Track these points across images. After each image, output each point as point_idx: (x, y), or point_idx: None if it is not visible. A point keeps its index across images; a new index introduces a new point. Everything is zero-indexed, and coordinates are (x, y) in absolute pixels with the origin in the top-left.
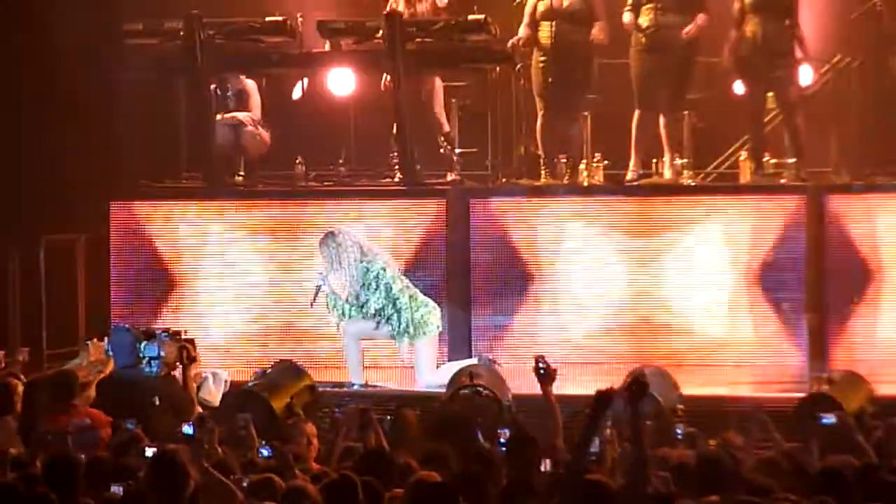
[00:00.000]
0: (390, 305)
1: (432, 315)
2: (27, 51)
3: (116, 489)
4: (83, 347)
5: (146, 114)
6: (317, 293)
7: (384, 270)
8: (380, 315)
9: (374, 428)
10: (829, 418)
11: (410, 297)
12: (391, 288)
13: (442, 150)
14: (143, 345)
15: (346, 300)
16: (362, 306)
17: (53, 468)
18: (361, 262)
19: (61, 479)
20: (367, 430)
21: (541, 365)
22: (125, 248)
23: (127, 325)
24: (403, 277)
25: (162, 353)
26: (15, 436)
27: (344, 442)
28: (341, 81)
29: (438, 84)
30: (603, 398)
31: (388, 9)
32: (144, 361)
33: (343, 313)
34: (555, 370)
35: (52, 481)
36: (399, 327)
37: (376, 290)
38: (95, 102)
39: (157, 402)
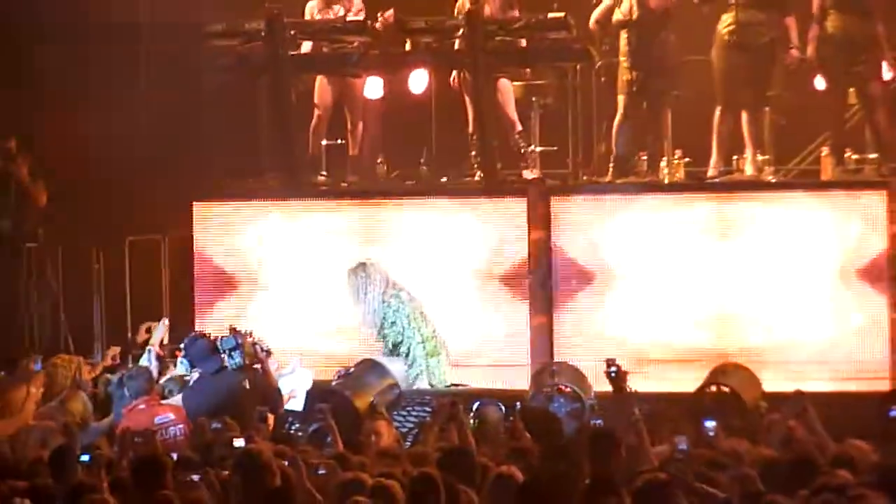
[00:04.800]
0: (405, 344)
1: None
2: (115, 55)
3: (195, 477)
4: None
5: (229, 114)
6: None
7: (403, 308)
8: (396, 352)
9: (459, 422)
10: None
11: (427, 342)
12: (406, 328)
13: (516, 149)
14: (220, 340)
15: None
16: (383, 338)
17: (142, 469)
18: (384, 299)
19: (150, 480)
20: (454, 424)
21: (612, 368)
22: (208, 247)
23: (198, 332)
24: (428, 321)
25: (240, 341)
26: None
27: (432, 434)
28: (421, 81)
29: (506, 84)
30: None
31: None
32: (226, 355)
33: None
34: (626, 372)
35: (141, 482)
36: (412, 368)
37: (393, 325)
38: (178, 104)
39: (248, 386)
